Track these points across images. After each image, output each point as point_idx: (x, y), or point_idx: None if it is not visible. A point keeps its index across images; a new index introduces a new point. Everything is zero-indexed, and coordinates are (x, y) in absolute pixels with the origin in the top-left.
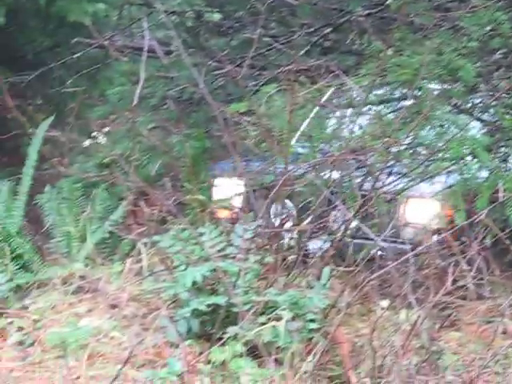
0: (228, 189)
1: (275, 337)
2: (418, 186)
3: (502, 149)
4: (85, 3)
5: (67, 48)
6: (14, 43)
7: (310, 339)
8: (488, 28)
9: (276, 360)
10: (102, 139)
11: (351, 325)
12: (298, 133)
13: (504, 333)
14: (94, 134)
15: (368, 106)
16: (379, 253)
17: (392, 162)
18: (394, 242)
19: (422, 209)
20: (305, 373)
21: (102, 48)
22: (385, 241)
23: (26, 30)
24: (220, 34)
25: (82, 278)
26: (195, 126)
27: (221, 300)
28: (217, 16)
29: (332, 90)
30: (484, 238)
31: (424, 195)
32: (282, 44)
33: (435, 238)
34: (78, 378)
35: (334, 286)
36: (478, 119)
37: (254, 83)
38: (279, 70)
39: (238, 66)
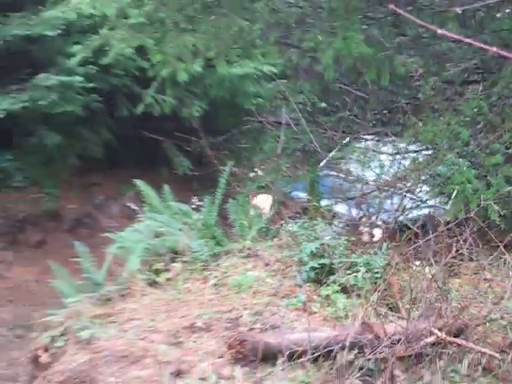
0: None
1: (356, 281)
2: None
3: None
4: (252, 98)
5: (242, 123)
6: (212, 121)
7: (376, 283)
8: (475, 110)
9: (357, 294)
10: (260, 172)
11: (398, 275)
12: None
13: (485, 279)
14: (256, 169)
15: (408, 154)
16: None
17: (421, 185)
18: None
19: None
20: (373, 302)
21: (261, 123)
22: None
23: (220, 113)
24: (325, 114)
25: (249, 249)
26: (311, 166)
27: (326, 261)
28: (323, 104)
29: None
30: (473, 226)
31: None
32: (360, 119)
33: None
34: (246, 304)
35: (389, 253)
36: (470, 161)
37: (344, 141)
38: (359, 134)
39: (335, 131)
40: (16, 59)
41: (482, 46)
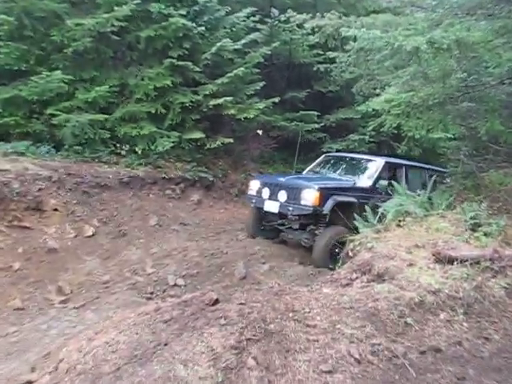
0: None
1: (492, 231)
2: None
3: None
4: (442, 148)
5: (437, 160)
6: (423, 159)
7: (501, 232)
8: None
9: (491, 236)
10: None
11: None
12: None
13: None
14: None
15: None
16: None
17: None
18: None
19: None
20: (499, 240)
21: (448, 159)
22: None
23: (427, 154)
24: (476, 156)
25: (442, 213)
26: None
27: (477, 220)
28: (475, 152)
29: None
30: None
31: None
32: (494, 158)
33: None
34: (440, 237)
35: (506, 221)
36: None
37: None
38: (495, 164)
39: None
40: (340, 129)
41: None
